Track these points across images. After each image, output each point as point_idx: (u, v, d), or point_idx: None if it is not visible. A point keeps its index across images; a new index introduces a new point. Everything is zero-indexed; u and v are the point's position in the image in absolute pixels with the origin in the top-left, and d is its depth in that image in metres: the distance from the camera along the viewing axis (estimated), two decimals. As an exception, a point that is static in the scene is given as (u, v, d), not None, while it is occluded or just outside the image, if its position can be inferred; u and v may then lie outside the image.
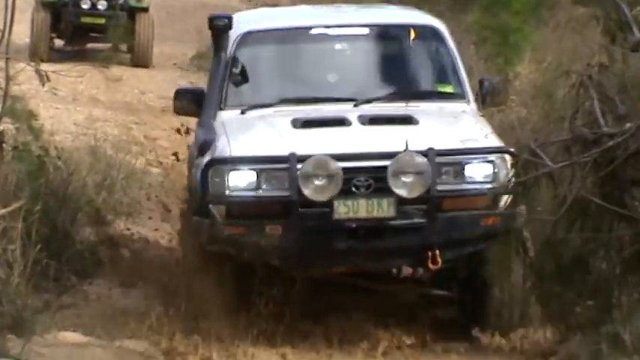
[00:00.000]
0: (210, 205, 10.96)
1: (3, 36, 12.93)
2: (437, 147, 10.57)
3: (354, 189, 10.68)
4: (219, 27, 11.84)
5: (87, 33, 27.34)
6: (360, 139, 11.05)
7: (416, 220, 10.77)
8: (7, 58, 13.00)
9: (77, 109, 21.47)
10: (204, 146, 11.23)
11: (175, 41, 28.41)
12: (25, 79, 14.45)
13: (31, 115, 14.47)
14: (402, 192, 10.55)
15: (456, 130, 11.22)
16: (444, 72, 12.61)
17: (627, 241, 4.92)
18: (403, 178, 10.52)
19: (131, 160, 16.63)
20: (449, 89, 12.40)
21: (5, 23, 12.94)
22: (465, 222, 10.81)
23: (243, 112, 12.00)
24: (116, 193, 15.48)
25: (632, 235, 4.34)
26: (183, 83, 25.76)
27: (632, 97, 4.11)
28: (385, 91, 12.27)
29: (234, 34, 12.10)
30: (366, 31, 12.52)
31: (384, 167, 10.54)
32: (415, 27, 12.67)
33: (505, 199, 10.50)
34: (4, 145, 13.45)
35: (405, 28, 12.63)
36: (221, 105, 12.07)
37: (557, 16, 25.47)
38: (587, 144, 4.37)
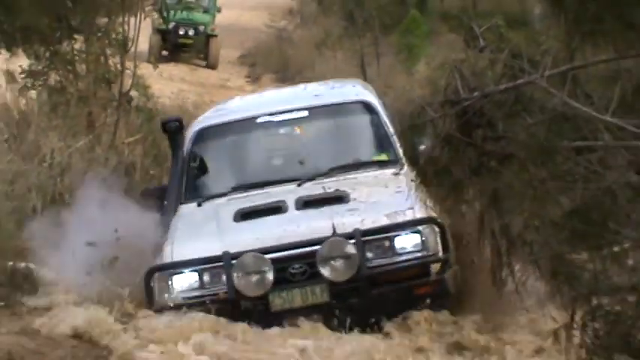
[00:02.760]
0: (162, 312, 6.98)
1: (133, 43, 12.95)
2: (364, 226, 6.96)
3: (289, 277, 6.93)
4: (172, 129, 8.25)
5: (181, 48, 27.35)
6: (292, 227, 7.15)
7: (350, 301, 6.97)
8: (135, 56, 13.02)
9: (173, 84, 21.45)
10: (156, 249, 7.40)
11: (229, 47, 28.35)
12: (144, 67, 14.48)
13: (146, 87, 14.44)
14: (332, 277, 6.84)
15: (384, 204, 7.34)
16: (378, 142, 8.44)
17: (473, 159, 4.90)
18: (332, 263, 6.81)
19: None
20: (384, 157, 8.27)
21: (134, 37, 12.97)
22: (399, 294, 7.02)
23: (199, 205, 7.87)
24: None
25: (475, 155, 4.40)
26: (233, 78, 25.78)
27: (479, 78, 4.15)
28: (326, 166, 7.96)
29: (189, 132, 8.44)
30: (305, 113, 8.35)
31: (314, 253, 6.89)
32: (349, 104, 8.61)
33: (436, 266, 7.03)
34: (132, 103, 13.42)
35: (340, 106, 8.56)
36: (181, 199, 7.92)
37: (440, 38, 25.48)
38: (453, 104, 4.41)
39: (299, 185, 7.70)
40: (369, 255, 6.87)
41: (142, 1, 14.10)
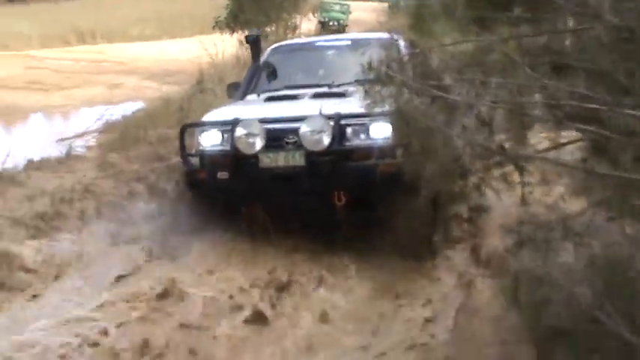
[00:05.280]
0: (189, 157, 4.61)
1: (299, 27, 12.81)
2: (345, 112, 4.33)
3: (280, 144, 4.31)
4: (252, 39, 5.79)
5: (331, 29, 26.88)
6: (294, 109, 4.60)
7: (322, 169, 4.26)
8: (299, 34, 12.75)
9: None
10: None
11: (354, 31, 27.38)
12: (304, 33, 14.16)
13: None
14: (308, 146, 4.25)
15: None
16: None
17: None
18: (309, 135, 4.22)
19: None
20: None
21: (299, 24, 12.86)
22: (364, 170, 4.21)
23: (258, 95, 5.27)
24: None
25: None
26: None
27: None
28: (353, 78, 3.99)
29: (267, 48, 6.03)
30: (349, 42, 5.69)
31: (298, 129, 4.34)
32: (381, 39, 3.65)
33: (401, 151, 3.78)
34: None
35: (372, 39, 5.06)
36: (248, 91, 5.40)
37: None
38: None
39: (329, 87, 5.19)
40: (348, 135, 4.42)
41: (306, 7, 13.96)
